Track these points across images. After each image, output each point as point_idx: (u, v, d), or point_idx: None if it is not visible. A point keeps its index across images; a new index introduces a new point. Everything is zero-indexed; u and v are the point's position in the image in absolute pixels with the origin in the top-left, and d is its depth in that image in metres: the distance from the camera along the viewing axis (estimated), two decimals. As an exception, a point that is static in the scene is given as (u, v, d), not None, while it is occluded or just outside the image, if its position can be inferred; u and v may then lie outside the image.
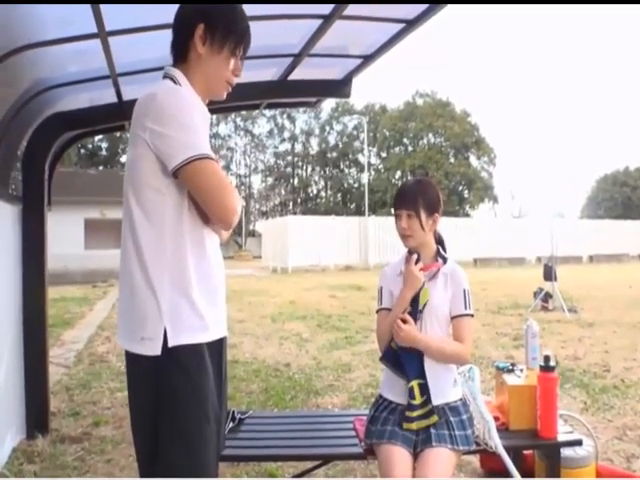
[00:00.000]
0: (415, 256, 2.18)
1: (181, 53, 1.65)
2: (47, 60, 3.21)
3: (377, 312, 2.31)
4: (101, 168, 36.40)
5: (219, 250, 1.67)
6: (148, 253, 1.52)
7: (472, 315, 2.22)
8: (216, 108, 4.35)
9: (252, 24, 3.06)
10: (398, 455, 2.04)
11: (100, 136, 38.70)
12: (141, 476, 1.60)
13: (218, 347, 1.63)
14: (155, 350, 1.49)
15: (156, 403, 1.50)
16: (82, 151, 40.36)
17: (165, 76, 1.63)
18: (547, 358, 2.33)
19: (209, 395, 1.55)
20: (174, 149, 1.48)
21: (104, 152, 43.00)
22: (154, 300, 1.50)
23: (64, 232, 16.65)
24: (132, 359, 1.55)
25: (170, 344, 1.49)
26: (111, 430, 3.91)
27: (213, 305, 1.59)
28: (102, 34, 2.73)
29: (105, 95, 3.80)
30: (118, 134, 38.43)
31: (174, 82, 1.59)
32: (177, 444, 1.50)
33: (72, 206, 17.86)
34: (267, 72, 3.74)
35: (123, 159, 43.66)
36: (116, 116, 4.13)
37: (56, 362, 5.92)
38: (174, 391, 1.50)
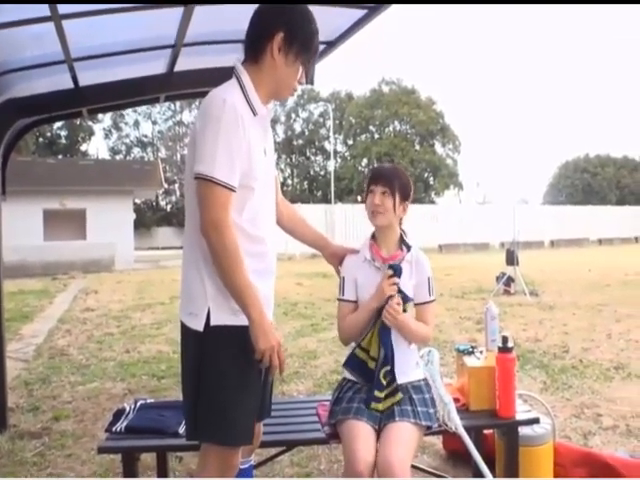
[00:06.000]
0: (390, 271, 2.17)
1: (254, 54, 1.77)
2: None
3: (338, 301, 2.31)
4: (60, 157, 35.30)
5: (271, 240, 1.83)
6: (198, 242, 1.68)
7: (434, 300, 2.30)
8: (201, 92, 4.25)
9: (208, 9, 2.99)
10: (362, 429, 2.06)
11: (59, 124, 37.61)
12: (186, 428, 1.80)
13: None
14: (199, 326, 1.70)
15: (198, 371, 1.71)
16: (40, 140, 39.10)
17: (234, 74, 1.77)
18: (505, 339, 2.38)
19: (254, 374, 1.73)
20: (200, 156, 1.65)
21: (63, 140, 41.73)
22: (201, 282, 1.70)
23: (22, 223, 16.14)
24: (184, 328, 1.77)
25: (212, 323, 1.69)
26: (72, 424, 3.84)
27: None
28: (55, 17, 2.64)
29: (61, 81, 3.68)
30: (78, 122, 37.50)
31: (240, 86, 1.74)
32: (212, 420, 1.70)
33: (30, 196, 17.31)
34: (226, 58, 3.69)
35: (83, 148, 42.56)
36: (73, 102, 4.01)
37: (14, 357, 5.78)
38: (215, 365, 1.70)
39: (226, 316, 1.69)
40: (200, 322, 1.69)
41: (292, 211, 2.25)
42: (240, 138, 1.66)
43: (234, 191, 1.66)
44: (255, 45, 1.76)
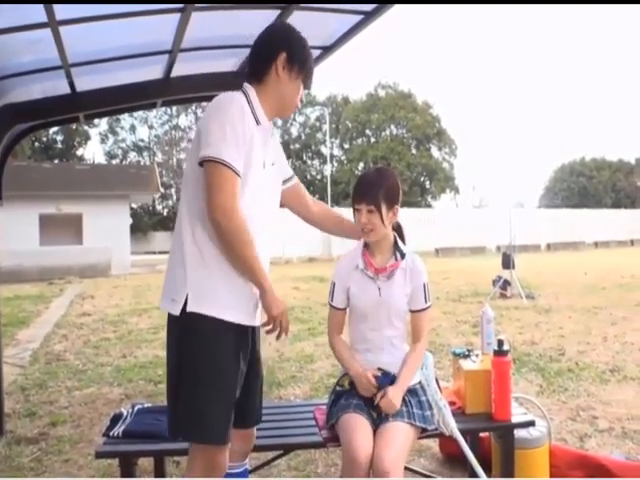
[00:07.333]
0: (375, 388, 2.16)
1: (258, 73, 1.92)
2: (-3, 50, 3.10)
3: (329, 305, 2.32)
4: (56, 162, 35.20)
5: (262, 246, 1.83)
6: (187, 230, 1.78)
7: (430, 306, 2.30)
8: (197, 96, 4.27)
9: (205, 15, 3.01)
10: (361, 422, 2.08)
11: (55, 128, 37.52)
12: (168, 424, 1.84)
13: (251, 334, 1.88)
14: (176, 311, 1.76)
15: (178, 357, 1.77)
16: (36, 144, 39.00)
17: (241, 90, 1.90)
18: (500, 342, 2.39)
19: (227, 369, 1.77)
20: (207, 141, 1.73)
21: (59, 145, 41.64)
22: (183, 270, 1.76)
23: (18, 228, 16.14)
24: (168, 318, 1.84)
25: (188, 309, 1.74)
26: (69, 429, 3.84)
27: (229, 291, 1.78)
28: (52, 23, 2.66)
29: (58, 86, 3.69)
30: (74, 126, 37.44)
31: (247, 99, 1.85)
32: (187, 401, 1.75)
33: (26, 201, 17.28)
34: (222, 63, 3.71)
35: (79, 152, 42.45)
36: (70, 107, 4.01)
37: (11, 362, 5.76)
38: (191, 352, 1.76)
39: (202, 305, 1.75)
40: (178, 307, 1.76)
41: (325, 209, 2.37)
42: (245, 129, 1.76)
43: (239, 177, 1.74)
44: (261, 65, 1.91)
